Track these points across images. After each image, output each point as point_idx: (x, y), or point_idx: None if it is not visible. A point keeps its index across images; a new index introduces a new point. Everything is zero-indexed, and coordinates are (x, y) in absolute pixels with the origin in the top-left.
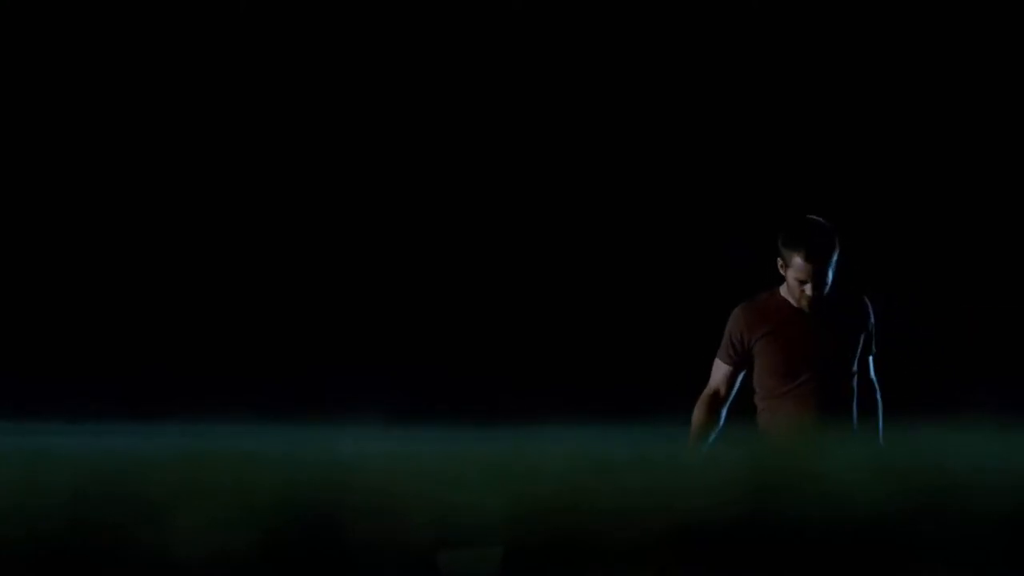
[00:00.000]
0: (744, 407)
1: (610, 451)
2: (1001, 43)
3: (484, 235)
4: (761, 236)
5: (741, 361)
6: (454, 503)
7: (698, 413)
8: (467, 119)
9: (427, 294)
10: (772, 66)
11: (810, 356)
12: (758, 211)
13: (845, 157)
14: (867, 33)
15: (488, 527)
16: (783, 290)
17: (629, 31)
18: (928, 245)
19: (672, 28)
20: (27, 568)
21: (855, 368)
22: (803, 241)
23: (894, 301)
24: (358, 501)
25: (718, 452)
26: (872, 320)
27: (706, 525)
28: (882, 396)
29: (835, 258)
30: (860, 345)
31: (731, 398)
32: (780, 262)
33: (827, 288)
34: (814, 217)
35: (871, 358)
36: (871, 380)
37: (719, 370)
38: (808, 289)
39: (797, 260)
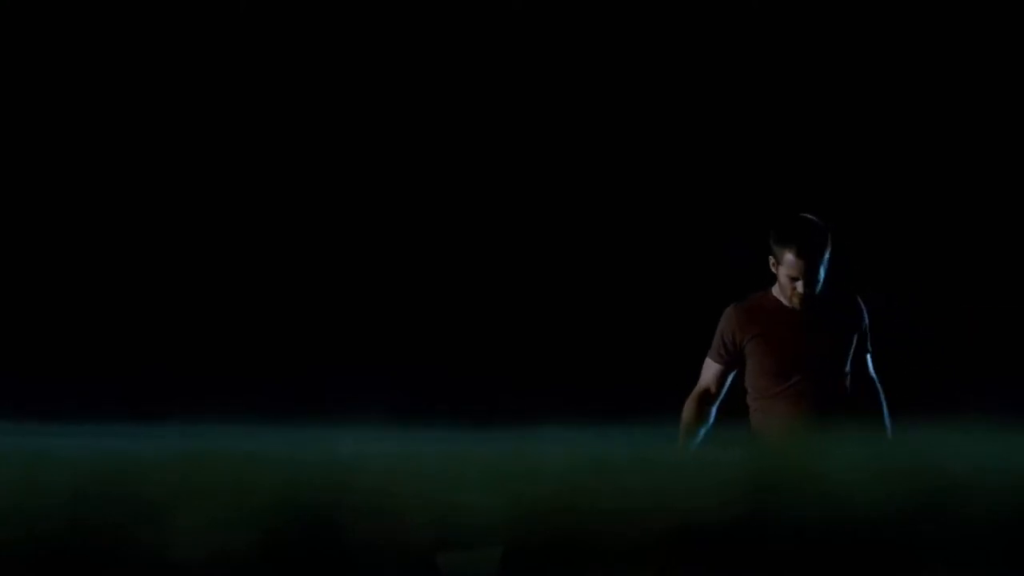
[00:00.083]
0: (735, 407)
1: (609, 451)
2: (1001, 43)
3: (484, 235)
4: (761, 236)
5: (732, 361)
6: (454, 503)
7: (687, 411)
8: (467, 119)
9: (427, 294)
10: (772, 66)
11: (802, 356)
12: (758, 211)
13: (845, 157)
14: (867, 33)
15: (488, 527)
16: (775, 290)
17: (629, 31)
18: (928, 245)
19: (672, 28)
20: (27, 568)
21: (848, 368)
22: (795, 238)
23: (894, 301)
24: (358, 501)
25: (717, 452)
26: (865, 319)
27: (706, 525)
28: (884, 392)
29: (827, 256)
30: (853, 345)
31: (721, 397)
32: (772, 260)
33: (819, 286)
34: (806, 215)
35: (869, 356)
36: (871, 378)
37: (709, 369)
38: (800, 287)
39: (789, 257)
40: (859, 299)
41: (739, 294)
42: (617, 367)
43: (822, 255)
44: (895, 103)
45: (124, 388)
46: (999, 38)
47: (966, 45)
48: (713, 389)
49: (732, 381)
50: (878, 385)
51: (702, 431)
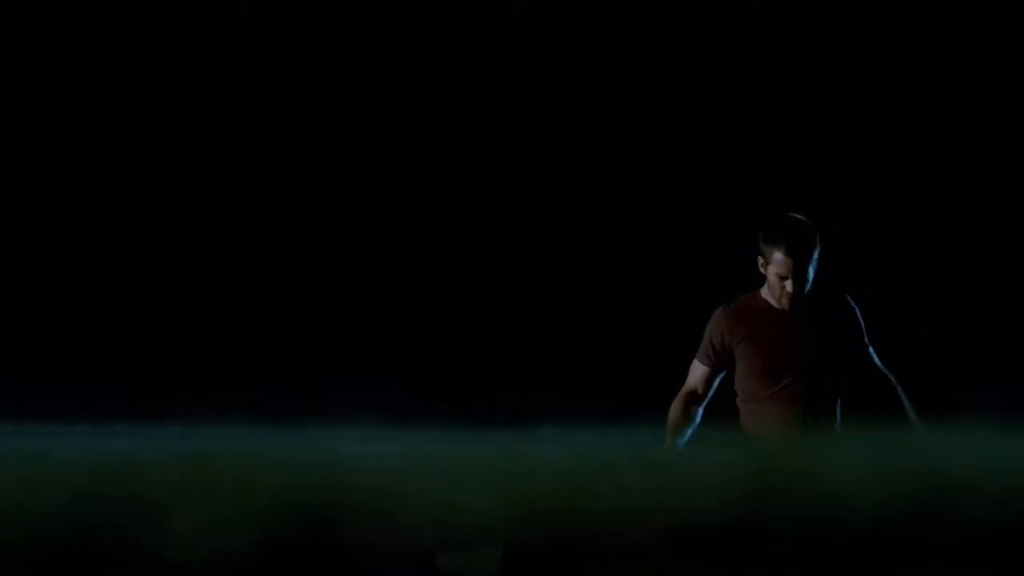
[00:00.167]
0: (726, 409)
1: (609, 452)
2: (1001, 43)
3: (484, 235)
4: (753, 237)
5: (720, 363)
6: (454, 503)
7: (673, 413)
8: (467, 119)
9: (427, 294)
10: (772, 66)
11: (791, 358)
12: (758, 212)
13: (845, 157)
14: (867, 33)
15: (488, 527)
16: (764, 292)
17: (629, 31)
18: (928, 245)
19: (672, 28)
20: (27, 568)
21: (840, 369)
22: (783, 236)
23: (894, 301)
24: (358, 501)
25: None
26: (858, 317)
27: (706, 525)
28: (900, 383)
29: (816, 255)
30: (845, 345)
31: (707, 400)
32: (761, 260)
33: (808, 285)
34: (794, 214)
35: (871, 351)
36: (882, 371)
37: (696, 371)
38: (789, 286)
39: (778, 255)
40: (849, 298)
41: (740, 294)
42: (617, 367)
43: (811, 254)
44: (894, 103)
45: (124, 388)
46: (999, 38)
47: (966, 45)
48: (700, 391)
49: (720, 384)
50: (891, 376)
51: (688, 432)
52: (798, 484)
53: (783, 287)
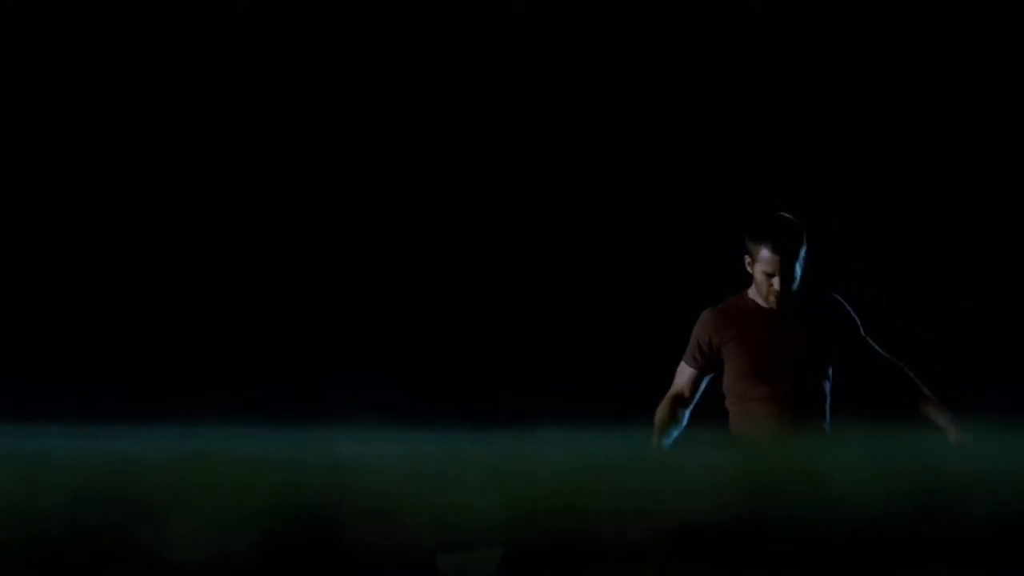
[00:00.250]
0: (716, 411)
1: (609, 452)
2: (1001, 43)
3: (484, 235)
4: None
5: (707, 365)
6: (453, 504)
7: (660, 415)
8: (467, 119)
9: (427, 294)
10: (772, 66)
11: (780, 358)
12: (758, 212)
13: (844, 157)
14: (867, 33)
15: (487, 528)
16: (751, 292)
17: (628, 31)
18: (928, 245)
19: (671, 28)
20: (27, 568)
21: (828, 368)
22: (769, 233)
23: (894, 301)
24: (358, 502)
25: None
26: (849, 312)
27: (705, 526)
28: (911, 368)
29: (803, 253)
30: (838, 343)
31: (694, 402)
32: (747, 259)
33: (795, 283)
34: (780, 212)
35: (870, 341)
36: (887, 358)
37: (684, 373)
38: (776, 283)
39: (764, 253)
40: (837, 297)
41: (727, 295)
42: (617, 368)
43: (798, 251)
44: (894, 103)
45: (124, 388)
46: (999, 38)
47: (966, 45)
48: (687, 394)
49: (707, 386)
50: (897, 361)
51: (674, 434)
52: (797, 484)
53: (770, 285)
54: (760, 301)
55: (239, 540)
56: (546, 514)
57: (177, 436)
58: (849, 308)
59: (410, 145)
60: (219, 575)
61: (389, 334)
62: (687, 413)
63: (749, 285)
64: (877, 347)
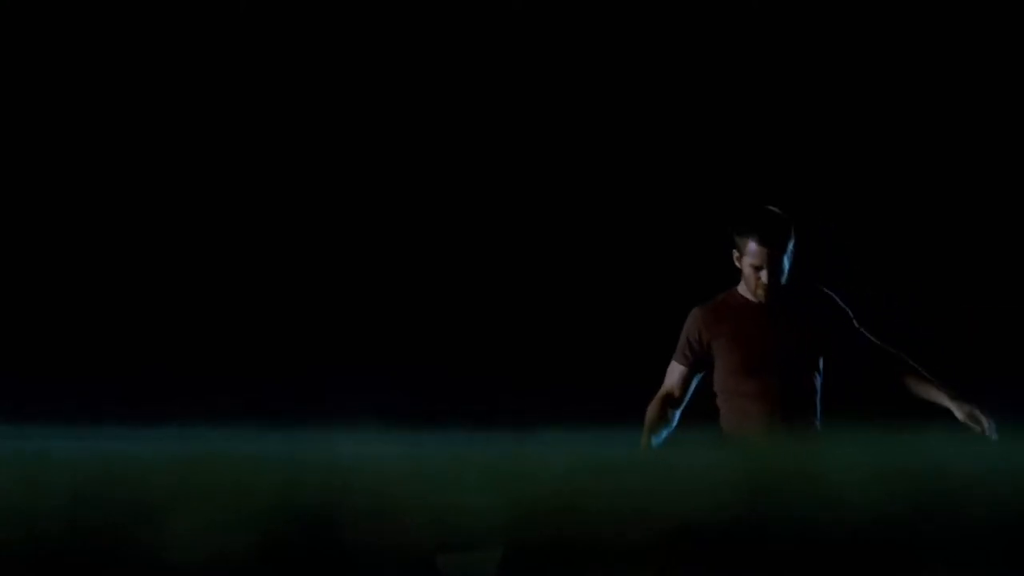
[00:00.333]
0: (707, 410)
1: (609, 453)
2: (1001, 43)
3: (484, 235)
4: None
5: (697, 362)
6: (454, 505)
7: (650, 414)
8: (467, 119)
9: (427, 294)
10: (772, 66)
11: (770, 353)
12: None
13: (845, 157)
14: (867, 33)
15: (488, 529)
16: (740, 287)
17: (628, 31)
18: (928, 245)
19: (670, 28)
20: (27, 569)
21: (819, 364)
22: (756, 225)
23: (894, 301)
24: (358, 503)
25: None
26: (839, 305)
27: (705, 526)
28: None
29: (791, 246)
30: (830, 336)
31: (685, 401)
32: (735, 254)
33: (783, 276)
34: (767, 206)
35: (864, 332)
36: (882, 347)
37: (674, 372)
38: (764, 276)
39: (751, 245)
40: (826, 290)
41: (716, 292)
42: (617, 368)
43: (785, 243)
44: (894, 103)
45: (124, 388)
46: (999, 38)
47: (966, 45)
48: (677, 393)
49: (698, 386)
50: (895, 351)
51: (664, 434)
52: (797, 484)
53: (758, 278)
54: (749, 296)
55: (239, 540)
56: (546, 514)
57: (177, 436)
58: (839, 300)
59: (410, 145)
60: (219, 575)
61: (389, 334)
62: (678, 413)
63: (739, 282)
64: (871, 337)
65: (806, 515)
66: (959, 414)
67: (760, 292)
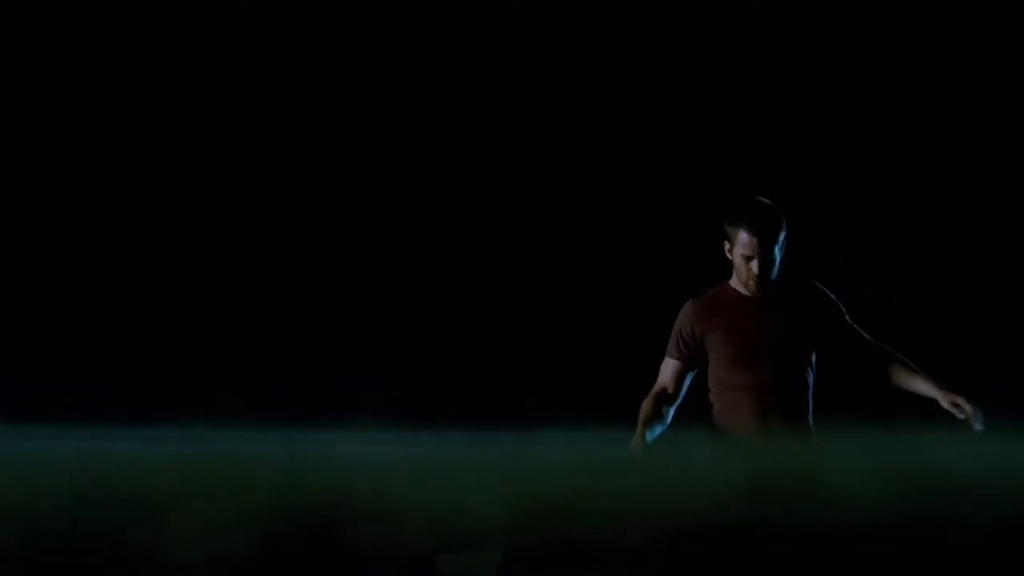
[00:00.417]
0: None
1: (609, 453)
2: (1001, 43)
3: (484, 235)
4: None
5: (691, 357)
6: (454, 505)
7: (644, 410)
8: (467, 119)
9: (427, 294)
10: (771, 65)
11: (762, 346)
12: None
13: (845, 157)
14: (867, 33)
15: (487, 529)
16: (732, 282)
17: (627, 30)
18: (928, 245)
19: (670, 28)
20: (27, 569)
21: (812, 358)
22: (747, 216)
23: (894, 301)
24: (358, 503)
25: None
26: (833, 300)
27: (705, 527)
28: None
29: (782, 238)
30: (822, 331)
31: (680, 398)
32: (727, 245)
33: (774, 267)
34: (759, 198)
35: (856, 328)
36: (875, 344)
37: (667, 367)
38: (755, 267)
39: (742, 236)
40: (820, 285)
41: (709, 287)
42: (617, 368)
43: (776, 234)
44: (895, 103)
45: (124, 389)
46: (999, 38)
47: (966, 45)
48: (671, 389)
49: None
50: (887, 347)
51: (658, 431)
52: (797, 485)
53: (749, 268)
54: (742, 290)
55: (239, 541)
56: (546, 515)
57: (177, 437)
58: (832, 295)
59: (410, 145)
60: (219, 575)
61: (389, 334)
62: (672, 410)
63: (731, 276)
64: (864, 333)
65: (805, 515)
66: (944, 402)
67: (751, 283)
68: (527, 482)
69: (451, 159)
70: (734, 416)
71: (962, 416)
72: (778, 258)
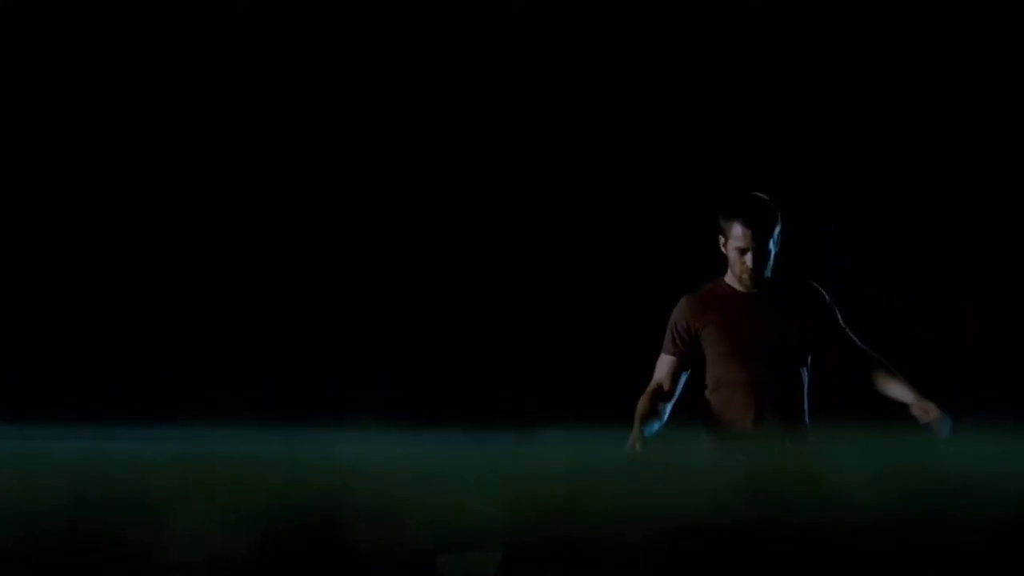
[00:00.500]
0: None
1: (609, 454)
2: (1001, 43)
3: (484, 235)
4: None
5: (687, 352)
6: (454, 505)
7: (640, 407)
8: (467, 119)
9: (427, 294)
10: (771, 65)
11: (757, 341)
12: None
13: (845, 157)
14: (867, 33)
15: (487, 529)
16: (727, 278)
17: (627, 30)
18: (928, 245)
19: (669, 28)
20: (27, 569)
21: (807, 357)
22: (741, 209)
23: (894, 301)
24: (358, 504)
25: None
26: (828, 302)
27: (704, 527)
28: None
29: (776, 232)
30: (815, 331)
31: (676, 395)
32: (722, 240)
33: (769, 261)
34: (754, 192)
35: (849, 333)
36: (864, 350)
37: (663, 364)
38: (749, 260)
39: (737, 229)
40: (816, 285)
41: (704, 283)
42: (616, 368)
43: (771, 227)
44: (894, 102)
45: (124, 389)
46: (999, 38)
47: (966, 45)
48: (667, 385)
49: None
50: (874, 353)
51: (655, 427)
52: (797, 486)
53: (743, 262)
54: (736, 286)
55: (239, 540)
56: (546, 515)
57: (177, 437)
58: (828, 298)
59: (410, 145)
60: (219, 575)
61: (389, 334)
62: (668, 407)
63: (726, 272)
64: (856, 339)
65: (805, 517)
66: (914, 409)
67: (745, 277)
68: (527, 482)
69: (450, 159)
70: (729, 412)
71: (924, 421)
72: (772, 252)
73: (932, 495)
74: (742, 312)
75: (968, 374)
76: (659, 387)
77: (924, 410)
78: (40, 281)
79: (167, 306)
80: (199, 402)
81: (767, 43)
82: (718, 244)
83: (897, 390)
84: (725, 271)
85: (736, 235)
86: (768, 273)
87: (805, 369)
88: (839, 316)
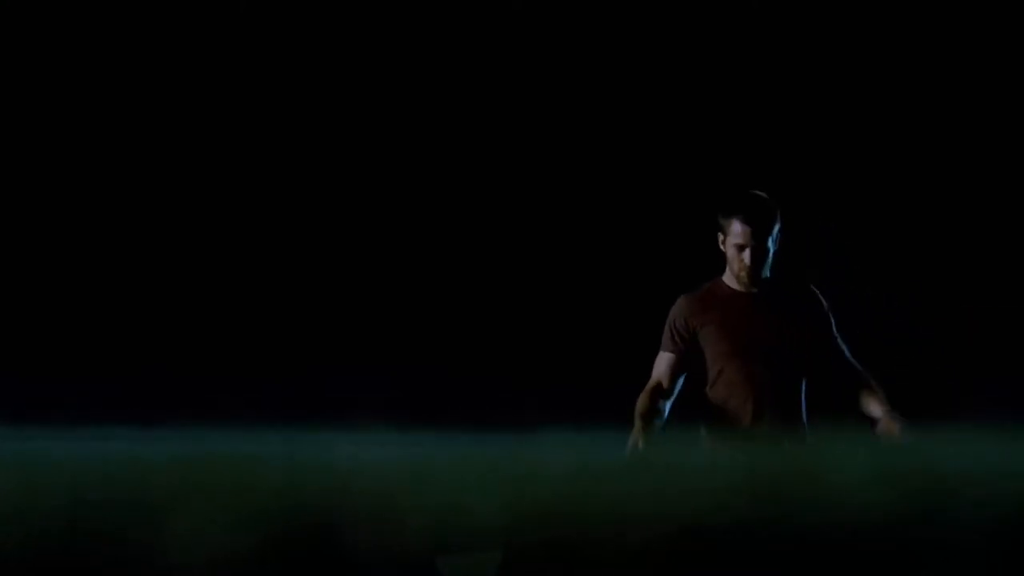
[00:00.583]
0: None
1: (609, 454)
2: (1001, 43)
3: (484, 236)
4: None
5: (685, 350)
6: (453, 506)
7: (639, 405)
8: (467, 119)
9: (427, 295)
10: (771, 65)
11: (755, 341)
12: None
13: (845, 157)
14: (867, 33)
15: (487, 530)
16: (726, 277)
17: (626, 29)
18: (928, 245)
19: (669, 28)
20: (27, 570)
21: (805, 356)
22: (740, 206)
23: (894, 301)
24: (358, 504)
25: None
26: (825, 310)
27: (704, 528)
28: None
29: (776, 230)
30: (811, 335)
31: (675, 393)
32: (720, 237)
33: (767, 261)
34: (753, 190)
35: (840, 344)
36: (850, 361)
37: (661, 362)
38: (747, 257)
39: (735, 226)
40: (814, 289)
41: (702, 281)
42: (617, 369)
43: (770, 224)
44: (894, 102)
45: (124, 389)
46: (999, 38)
47: (966, 45)
48: (666, 383)
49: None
50: (860, 367)
51: (654, 426)
52: (797, 486)
53: (741, 259)
54: (735, 285)
55: (239, 541)
56: (546, 515)
57: (177, 437)
58: (826, 304)
59: (410, 145)
60: (219, 575)
61: (389, 334)
62: (668, 405)
63: (725, 271)
64: (845, 349)
65: (805, 517)
66: (880, 426)
67: (743, 275)
68: (527, 482)
69: (450, 160)
70: (728, 412)
71: (885, 434)
72: (771, 251)
73: (932, 495)
74: (741, 312)
75: (968, 374)
76: (658, 384)
77: (889, 430)
78: (40, 281)
79: (167, 306)
80: (199, 402)
81: (767, 43)
82: (717, 243)
83: (871, 406)
84: (724, 271)
85: (735, 232)
86: (767, 272)
87: (803, 369)
88: (833, 324)
